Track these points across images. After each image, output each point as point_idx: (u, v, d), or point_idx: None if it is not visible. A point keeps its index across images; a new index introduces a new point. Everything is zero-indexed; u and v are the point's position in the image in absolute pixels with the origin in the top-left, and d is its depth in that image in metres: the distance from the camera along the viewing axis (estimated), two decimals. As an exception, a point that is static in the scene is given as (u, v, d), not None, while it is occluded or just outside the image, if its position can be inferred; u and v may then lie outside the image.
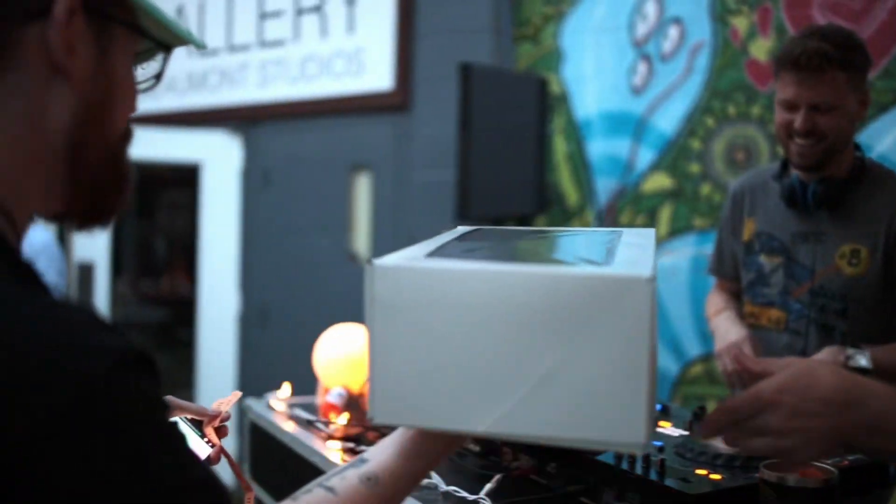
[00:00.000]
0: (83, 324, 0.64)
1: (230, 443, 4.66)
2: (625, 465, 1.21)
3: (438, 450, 0.93)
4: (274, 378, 4.57)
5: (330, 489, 0.88)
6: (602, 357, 0.82)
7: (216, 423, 1.17)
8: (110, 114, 0.78)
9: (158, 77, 0.82)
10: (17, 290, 0.65)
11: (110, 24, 0.77)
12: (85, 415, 0.60)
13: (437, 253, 0.94)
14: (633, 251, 0.95)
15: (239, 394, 1.24)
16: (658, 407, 1.52)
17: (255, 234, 4.77)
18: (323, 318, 4.49)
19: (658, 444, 1.30)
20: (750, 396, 0.96)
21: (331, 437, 1.61)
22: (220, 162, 4.82)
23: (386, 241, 4.24)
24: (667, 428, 1.42)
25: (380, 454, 0.92)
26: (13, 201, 0.73)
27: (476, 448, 1.47)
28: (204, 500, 0.66)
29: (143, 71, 0.83)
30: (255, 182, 4.77)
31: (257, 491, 1.92)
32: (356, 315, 3.75)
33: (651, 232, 1.08)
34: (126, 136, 0.81)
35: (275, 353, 4.57)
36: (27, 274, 0.70)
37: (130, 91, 0.80)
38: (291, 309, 4.48)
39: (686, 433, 1.39)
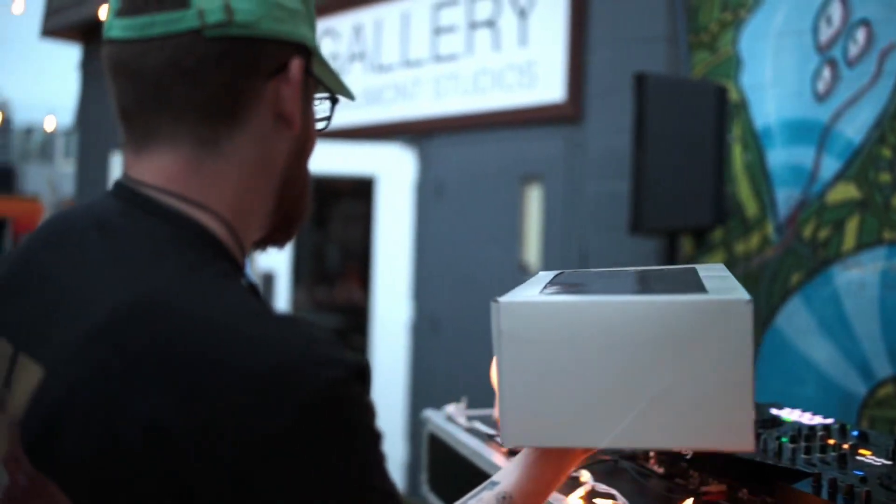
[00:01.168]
0: (319, 337, 0.72)
1: (401, 450, 4.76)
2: (824, 495, 1.16)
3: (561, 466, 1.01)
4: (443, 387, 4.65)
5: None
6: (710, 372, 0.93)
7: None
8: (308, 154, 0.92)
9: (329, 120, 0.95)
10: (257, 305, 0.74)
11: (312, 79, 0.90)
12: (327, 419, 0.68)
13: (549, 290, 1.04)
14: (720, 281, 1.04)
15: None
16: (854, 433, 1.45)
17: (428, 245, 4.87)
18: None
19: (859, 473, 1.24)
20: None
21: (512, 451, 1.63)
22: (394, 174, 4.95)
23: (556, 252, 4.23)
24: (867, 456, 1.35)
25: (509, 476, 1.00)
26: (242, 231, 0.85)
27: (660, 470, 1.45)
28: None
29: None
30: (428, 194, 4.87)
31: (434, 501, 1.96)
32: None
33: (722, 266, 1.17)
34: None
35: (444, 362, 4.65)
36: (256, 292, 0.81)
37: (315, 133, 0.94)
38: (461, 319, 4.54)
39: (889, 462, 1.32)
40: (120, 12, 0.81)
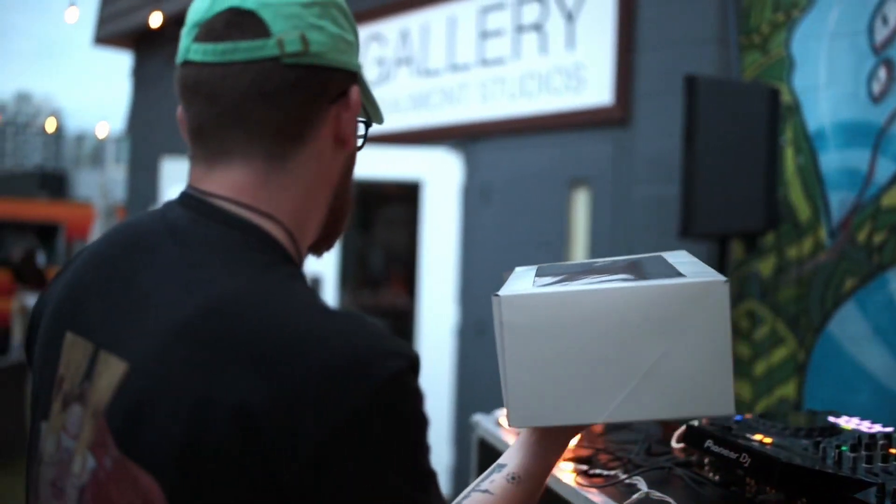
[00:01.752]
0: (380, 331, 0.82)
1: (446, 454, 4.74)
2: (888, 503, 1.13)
3: (560, 443, 1.10)
4: (489, 391, 4.61)
5: (485, 491, 1.03)
6: (694, 347, 1.03)
7: None
8: (353, 170, 1.01)
9: (364, 140, 1.03)
10: (324, 303, 0.83)
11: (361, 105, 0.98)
12: (390, 405, 0.78)
13: (541, 282, 1.13)
14: (694, 266, 1.13)
15: None
16: None
17: (474, 249, 4.87)
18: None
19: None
20: None
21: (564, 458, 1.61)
22: (440, 179, 4.95)
23: (603, 255, 4.19)
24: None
25: (513, 457, 1.08)
26: (300, 239, 0.94)
27: (715, 478, 1.43)
28: (435, 488, 0.85)
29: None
30: (474, 198, 4.87)
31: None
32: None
33: (685, 253, 1.25)
34: None
35: (490, 366, 4.62)
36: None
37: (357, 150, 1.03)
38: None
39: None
40: (199, 38, 0.89)
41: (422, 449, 0.83)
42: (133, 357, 0.81)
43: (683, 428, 1.47)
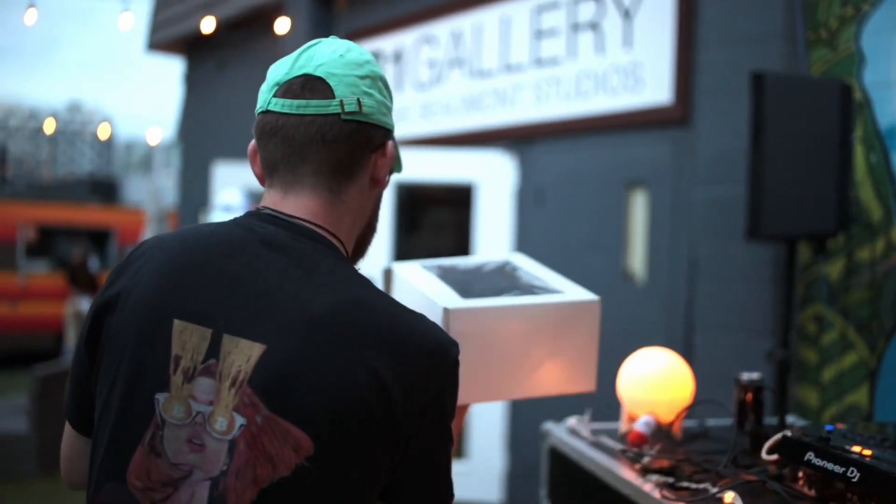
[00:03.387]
0: (430, 321, 1.15)
1: (498, 459, 4.66)
2: None
3: (462, 416, 1.44)
4: (541, 398, 4.53)
5: None
6: (575, 343, 1.50)
7: None
8: (381, 204, 1.32)
9: (388, 182, 1.30)
10: (402, 304, 1.15)
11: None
12: (455, 378, 1.13)
13: (462, 292, 1.49)
14: (560, 279, 1.66)
15: None
16: None
17: (528, 253, 4.76)
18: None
19: None
20: None
21: (646, 469, 1.53)
22: (493, 181, 4.88)
23: (662, 259, 4.10)
24: None
25: None
26: (348, 252, 1.23)
27: (811, 492, 1.34)
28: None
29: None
30: (528, 201, 4.79)
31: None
32: (631, 335, 3.70)
33: (523, 255, 1.80)
34: None
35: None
36: None
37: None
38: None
39: None
40: (278, 94, 1.17)
41: (454, 410, 1.16)
42: (269, 340, 1.06)
43: (777, 438, 1.39)
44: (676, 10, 4.02)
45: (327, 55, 1.19)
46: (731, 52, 3.68)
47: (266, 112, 1.18)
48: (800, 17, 3.53)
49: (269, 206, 1.19)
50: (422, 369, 1.08)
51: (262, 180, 1.24)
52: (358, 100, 1.17)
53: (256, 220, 1.17)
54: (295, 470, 1.03)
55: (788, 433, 1.35)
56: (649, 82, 4.14)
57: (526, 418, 4.76)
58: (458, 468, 4.79)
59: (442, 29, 5.30)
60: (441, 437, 1.13)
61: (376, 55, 5.62)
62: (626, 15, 4.27)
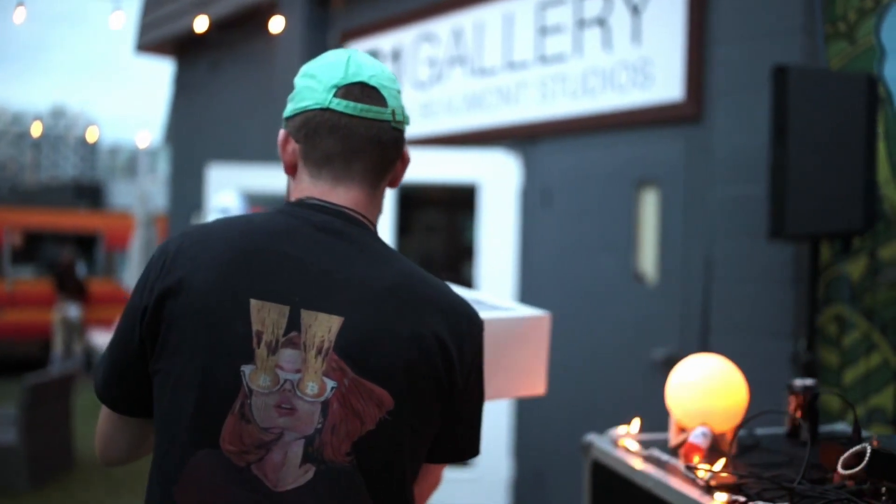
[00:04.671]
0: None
1: (504, 466, 4.51)
2: None
3: None
4: (549, 404, 4.42)
5: None
6: (528, 352, 1.78)
7: None
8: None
9: None
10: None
11: None
12: (483, 348, 1.34)
13: None
14: (505, 300, 1.97)
15: None
16: None
17: (535, 253, 4.68)
18: (606, 339, 4.31)
19: None
20: None
21: (709, 485, 1.42)
22: (498, 181, 4.77)
23: (674, 260, 4.00)
24: None
25: None
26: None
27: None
28: None
29: None
30: (533, 201, 4.69)
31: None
32: (642, 337, 3.56)
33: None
34: None
35: (551, 376, 4.43)
36: None
37: None
38: (573, 330, 4.33)
39: None
40: (338, 95, 1.31)
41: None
42: (345, 312, 1.21)
43: (857, 450, 1.28)
44: (687, 4, 3.92)
45: (373, 67, 1.35)
46: (746, 46, 3.59)
47: (326, 109, 1.30)
48: (818, 9, 3.44)
49: (316, 195, 1.33)
50: (466, 332, 1.29)
51: (291, 170, 1.37)
52: (402, 110, 1.37)
53: (304, 209, 1.31)
54: (378, 423, 1.20)
55: (874, 445, 1.24)
56: (659, 79, 4.04)
57: (532, 426, 4.65)
58: (464, 476, 4.69)
59: (442, 26, 5.19)
60: (480, 392, 1.35)
61: (374, 54, 5.51)
62: (635, 10, 4.17)
